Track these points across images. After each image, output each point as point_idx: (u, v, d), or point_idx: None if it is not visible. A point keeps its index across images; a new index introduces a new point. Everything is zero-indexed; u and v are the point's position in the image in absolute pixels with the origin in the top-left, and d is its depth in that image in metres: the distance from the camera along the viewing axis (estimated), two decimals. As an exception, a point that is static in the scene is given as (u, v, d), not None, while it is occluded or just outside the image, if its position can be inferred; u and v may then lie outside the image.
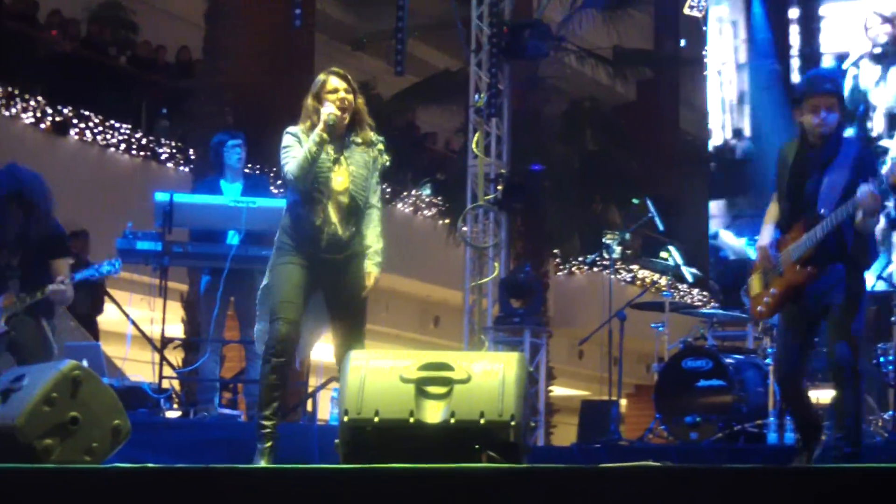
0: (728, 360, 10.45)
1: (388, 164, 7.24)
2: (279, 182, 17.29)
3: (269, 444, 6.77)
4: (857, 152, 7.34)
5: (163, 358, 9.75)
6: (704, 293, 22.03)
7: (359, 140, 7.13)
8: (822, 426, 7.66)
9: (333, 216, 7.01)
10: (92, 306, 12.91)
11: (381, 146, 7.22)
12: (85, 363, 6.63)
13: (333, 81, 7.09)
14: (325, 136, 6.94)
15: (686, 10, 17.41)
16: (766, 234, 7.53)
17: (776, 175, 7.55)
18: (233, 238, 9.37)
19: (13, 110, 15.11)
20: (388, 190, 19.75)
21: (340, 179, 7.02)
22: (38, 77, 16.68)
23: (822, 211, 7.20)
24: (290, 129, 7.13)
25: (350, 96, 7.09)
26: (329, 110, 6.97)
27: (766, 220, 7.59)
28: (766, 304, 7.49)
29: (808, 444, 7.47)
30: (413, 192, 20.58)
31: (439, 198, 20.30)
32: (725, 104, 16.73)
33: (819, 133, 7.28)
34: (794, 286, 7.33)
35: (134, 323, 13.17)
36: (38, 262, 7.78)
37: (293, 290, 6.94)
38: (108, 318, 15.40)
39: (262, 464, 6.61)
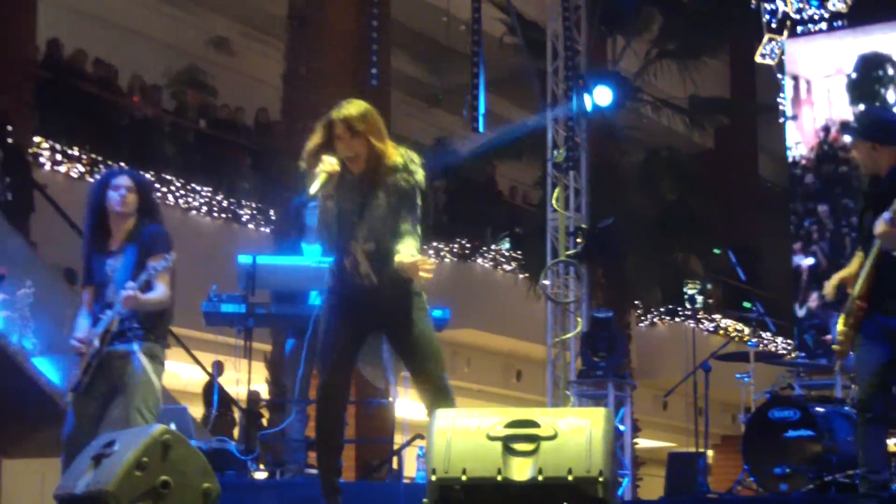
0: (816, 410, 10.34)
1: (418, 181, 6.57)
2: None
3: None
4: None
5: (249, 419, 9.80)
6: (788, 342, 21.86)
7: (379, 178, 6.53)
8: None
9: (364, 266, 6.61)
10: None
11: (405, 168, 6.56)
12: (173, 426, 6.68)
13: (338, 127, 6.49)
14: (326, 203, 6.51)
15: (758, 59, 17.36)
16: (843, 271, 7.53)
17: None
18: (315, 298, 9.41)
19: (97, 176, 15.29)
20: (468, 245, 19.80)
21: (364, 230, 6.55)
22: (121, 142, 16.94)
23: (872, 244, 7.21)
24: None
25: (360, 141, 6.47)
26: (320, 169, 6.44)
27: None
28: (840, 342, 7.48)
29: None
30: (492, 246, 20.61)
31: (518, 252, 20.32)
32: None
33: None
34: (859, 321, 7.32)
35: (219, 385, 13.28)
36: (141, 267, 7.36)
37: (335, 338, 6.69)
38: (194, 379, 15.54)
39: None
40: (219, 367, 14.04)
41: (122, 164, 15.74)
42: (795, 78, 17.02)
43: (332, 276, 6.81)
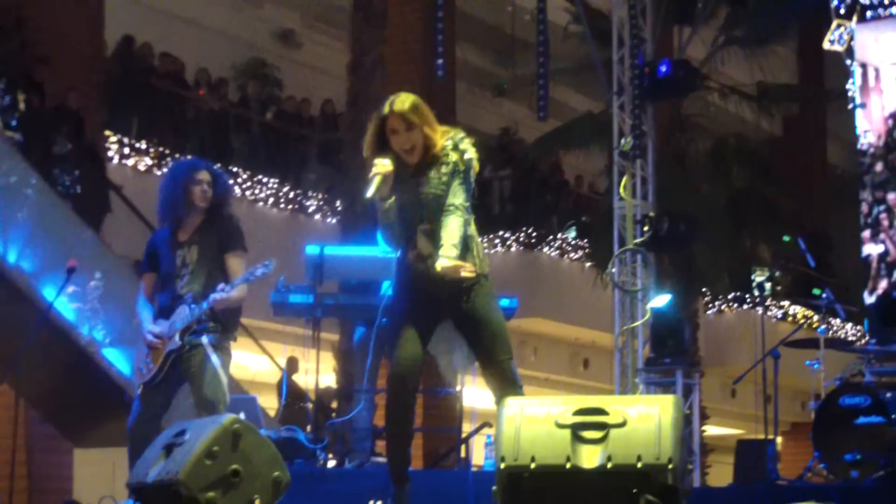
0: (887, 396, 10.26)
1: (469, 158, 6.56)
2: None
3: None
4: None
5: (318, 408, 9.84)
6: (858, 328, 21.70)
7: (431, 164, 6.55)
8: None
9: (425, 251, 6.57)
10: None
11: (454, 147, 6.57)
12: (242, 416, 6.72)
13: (394, 121, 6.51)
14: (384, 203, 6.51)
15: (826, 45, 17.21)
16: None
17: None
18: (388, 288, 9.42)
19: (164, 169, 15.44)
20: (534, 234, 19.78)
21: (420, 213, 6.58)
22: (188, 136, 17.07)
23: None
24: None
25: (415, 132, 6.49)
26: (374, 172, 6.46)
27: None
28: None
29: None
30: (559, 235, 20.59)
31: (585, 240, 20.28)
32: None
33: None
34: None
35: (287, 375, 13.35)
36: (215, 260, 7.52)
37: (404, 326, 6.65)
38: (262, 369, 15.64)
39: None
40: (293, 363, 14.10)
41: (190, 157, 15.85)
42: (864, 65, 16.86)
43: (399, 267, 6.83)
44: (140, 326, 7.62)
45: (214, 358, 7.41)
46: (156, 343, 7.48)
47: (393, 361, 6.68)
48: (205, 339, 7.46)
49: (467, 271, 6.38)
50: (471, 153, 6.58)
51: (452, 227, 6.47)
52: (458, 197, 6.53)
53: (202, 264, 7.52)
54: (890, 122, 16.41)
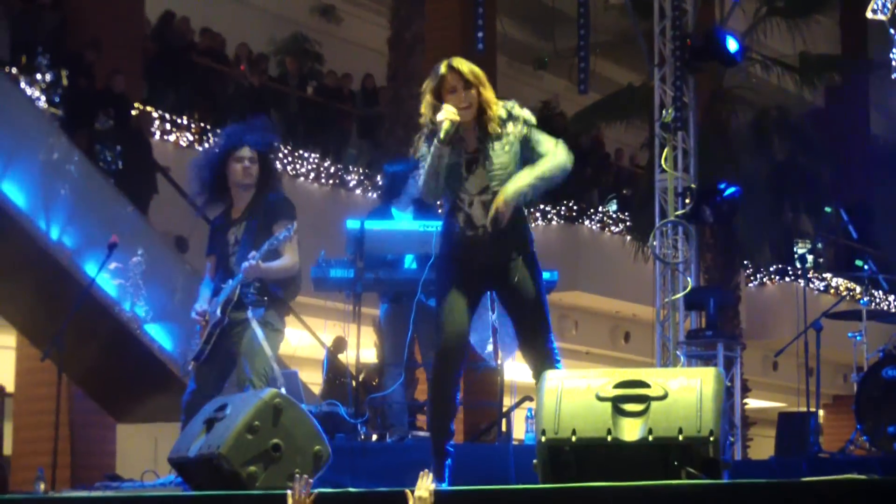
0: (931, 368, 10.23)
1: (528, 120, 6.68)
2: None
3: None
4: None
5: (358, 383, 9.85)
6: (902, 300, 21.60)
7: (491, 131, 6.64)
8: None
9: (479, 219, 6.62)
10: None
11: (510, 116, 6.68)
12: (283, 391, 6.74)
13: (452, 79, 6.61)
14: (444, 149, 6.56)
15: (869, 14, 17.02)
16: None
17: None
18: (411, 263, 9.41)
19: (206, 145, 15.47)
20: (575, 208, 19.74)
21: (479, 181, 6.63)
22: (229, 111, 17.08)
23: None
24: (420, 132, 6.77)
25: (472, 92, 6.60)
26: (443, 117, 6.54)
27: None
28: None
29: None
30: (600, 208, 20.54)
31: (626, 213, 20.23)
32: None
33: None
34: None
35: (329, 349, 13.37)
36: (264, 235, 7.47)
37: (451, 299, 6.67)
38: (303, 344, 15.66)
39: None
40: (340, 343, 14.12)
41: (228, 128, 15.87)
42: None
43: (443, 238, 6.85)
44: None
45: (260, 332, 7.42)
46: (199, 320, 7.51)
47: (439, 335, 6.69)
48: (250, 314, 7.48)
49: (504, 213, 6.49)
50: (526, 114, 6.69)
51: (541, 163, 6.60)
52: (543, 145, 6.67)
53: (249, 240, 7.53)
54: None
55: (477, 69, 6.67)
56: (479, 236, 6.63)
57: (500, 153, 6.63)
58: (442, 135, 6.51)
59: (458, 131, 6.61)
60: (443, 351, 6.68)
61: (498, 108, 6.66)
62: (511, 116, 6.67)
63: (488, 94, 6.64)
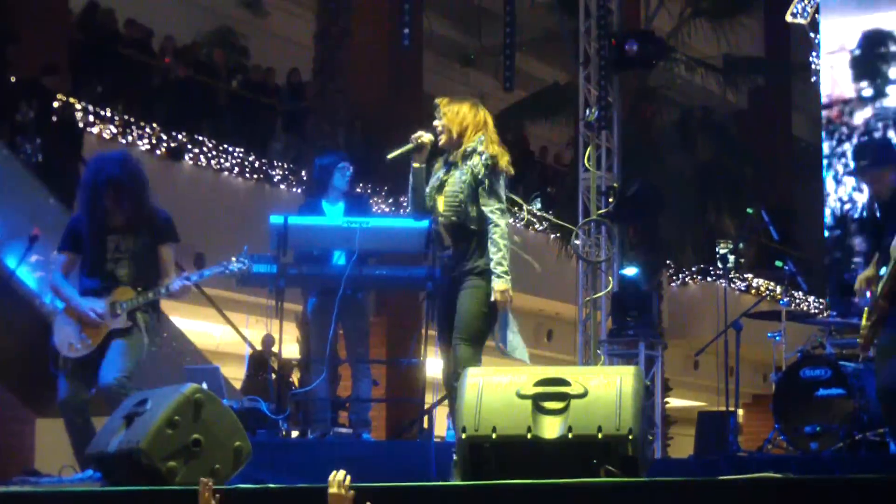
0: (848, 369, 10.33)
1: (487, 161, 7.05)
2: (380, 201, 17.45)
3: None
4: None
5: (280, 379, 9.83)
6: (821, 301, 21.81)
7: (455, 159, 7.18)
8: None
9: (446, 239, 7.21)
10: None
11: (473, 152, 7.11)
12: (205, 386, 6.72)
13: (435, 107, 7.28)
14: (415, 165, 7.15)
15: (789, 18, 17.17)
16: (871, 269, 7.64)
17: None
18: (339, 258, 9.40)
19: (129, 138, 15.38)
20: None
21: (442, 202, 7.17)
22: (153, 104, 16.97)
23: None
24: None
25: (440, 122, 7.18)
26: (414, 137, 7.14)
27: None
28: (863, 336, 7.61)
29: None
30: (524, 206, 20.58)
31: (550, 211, 20.28)
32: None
33: None
34: (883, 319, 7.45)
35: (251, 345, 13.33)
36: (148, 248, 7.70)
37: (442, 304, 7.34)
38: (226, 339, 15.62)
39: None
40: (269, 341, 14.10)
41: (155, 125, 15.78)
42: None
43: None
44: (69, 302, 7.77)
45: (145, 337, 7.59)
46: (98, 322, 7.53)
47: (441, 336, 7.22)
48: (139, 318, 7.61)
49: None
50: (485, 154, 7.07)
51: (495, 248, 7.07)
52: (488, 203, 7.08)
53: (139, 253, 7.70)
54: (824, 111, 16.20)
55: (459, 106, 7.21)
56: (447, 256, 7.23)
57: (457, 182, 7.12)
58: (390, 154, 7.24)
59: (422, 153, 7.18)
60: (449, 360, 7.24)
61: (470, 142, 7.12)
62: (474, 151, 7.09)
63: (456, 127, 7.14)
